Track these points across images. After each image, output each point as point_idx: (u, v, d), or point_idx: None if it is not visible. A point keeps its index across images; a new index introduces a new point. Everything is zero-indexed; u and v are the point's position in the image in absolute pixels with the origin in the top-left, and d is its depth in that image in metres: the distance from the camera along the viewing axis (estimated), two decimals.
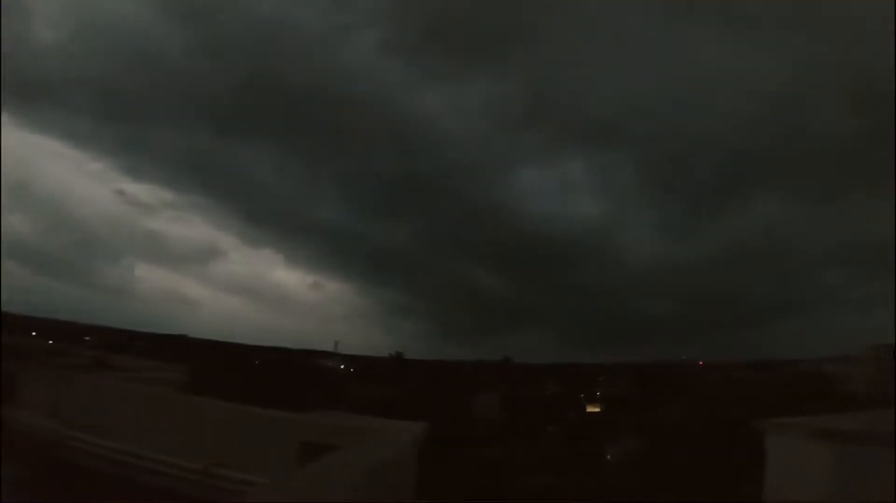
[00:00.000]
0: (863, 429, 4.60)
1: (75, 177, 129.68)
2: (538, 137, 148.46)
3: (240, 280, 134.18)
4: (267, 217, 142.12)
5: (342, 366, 55.77)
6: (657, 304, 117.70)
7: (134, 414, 5.68)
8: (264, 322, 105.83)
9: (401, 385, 38.13)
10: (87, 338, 46.27)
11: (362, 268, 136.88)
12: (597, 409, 38.45)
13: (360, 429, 4.51)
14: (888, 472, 3.90)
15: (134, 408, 5.81)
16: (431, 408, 31.24)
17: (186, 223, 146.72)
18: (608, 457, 24.46)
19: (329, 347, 60.99)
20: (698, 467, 17.11)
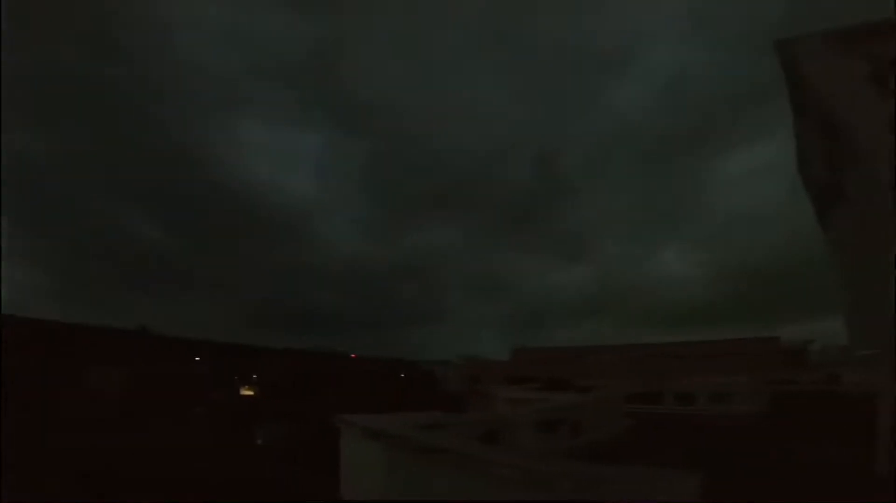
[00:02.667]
0: (407, 433, 5.11)
1: None
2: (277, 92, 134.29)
3: None
4: None
5: None
6: (330, 296, 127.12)
7: None
8: None
9: None
10: None
11: None
12: (251, 393, 37.55)
13: None
14: (432, 473, 4.47)
15: None
16: (22, 383, 23.06)
17: None
18: (258, 441, 24.31)
19: None
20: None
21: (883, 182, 6.11)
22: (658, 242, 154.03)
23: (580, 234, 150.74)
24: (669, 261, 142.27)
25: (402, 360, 56.95)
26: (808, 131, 9.71)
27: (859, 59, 7.46)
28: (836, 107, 7.32)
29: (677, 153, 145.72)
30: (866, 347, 9.99)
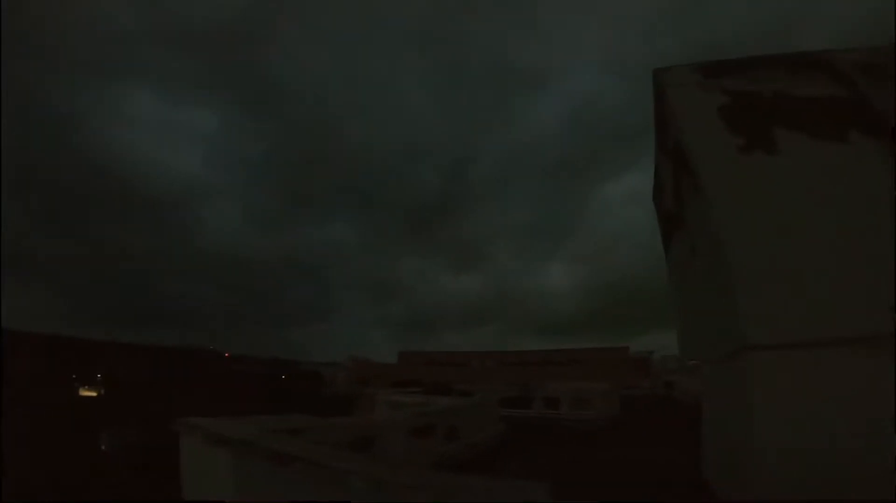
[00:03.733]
0: (252, 438, 4.77)
1: None
2: (165, 58, 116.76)
3: None
4: None
5: None
6: (201, 289, 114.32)
7: None
8: None
9: None
10: None
11: None
12: (93, 393, 32.19)
13: None
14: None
15: None
16: None
17: None
18: (102, 447, 20.86)
19: None
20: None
21: (715, 213, 6.56)
22: (544, 256, 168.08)
23: (476, 242, 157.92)
24: (552, 275, 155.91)
25: (284, 360, 53.61)
26: (664, 162, 10.07)
27: (717, 91, 7.48)
28: (687, 138, 7.41)
29: (571, 176, 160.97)
30: (693, 357, 11.44)
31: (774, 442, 5.30)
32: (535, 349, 56.20)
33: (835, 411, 5.10)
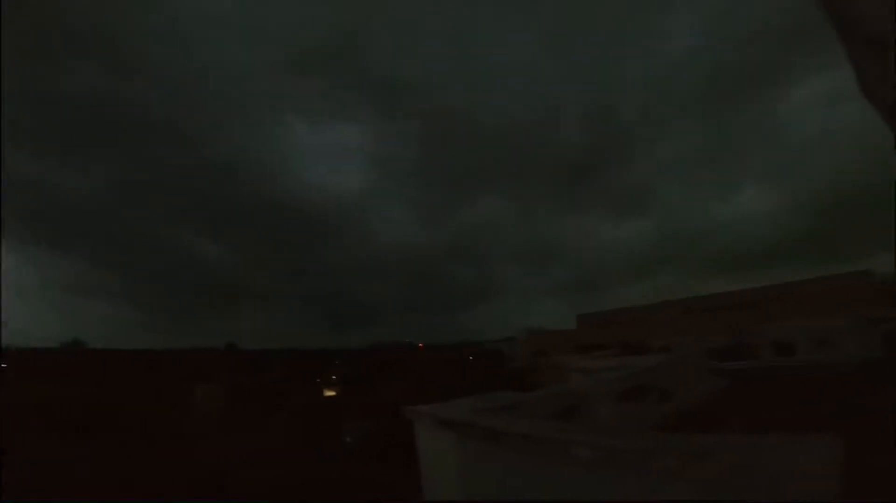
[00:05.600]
0: (474, 418, 4.84)
1: None
2: (311, 87, 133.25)
3: None
4: None
5: None
6: (386, 287, 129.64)
7: None
8: None
9: (76, 381, 29.54)
10: None
11: (28, 227, 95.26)
12: (333, 393, 39.38)
13: None
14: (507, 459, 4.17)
15: None
16: (129, 405, 25.55)
17: None
18: (347, 439, 25.39)
19: None
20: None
21: None
22: (725, 183, 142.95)
23: (637, 188, 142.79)
24: (738, 202, 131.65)
25: (467, 343, 57.35)
26: (859, 53, 7.88)
27: None
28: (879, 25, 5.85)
29: (737, 88, 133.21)
30: None
31: None
32: (732, 290, 47.96)
33: None
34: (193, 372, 43.76)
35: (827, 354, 16.61)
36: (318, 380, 44.93)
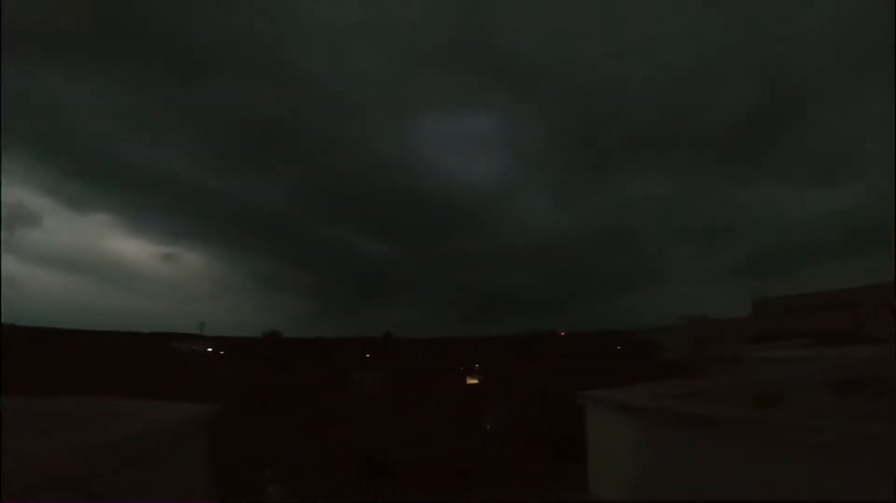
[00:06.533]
0: (664, 403, 4.64)
1: None
2: (450, 80, 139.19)
3: (66, 252, 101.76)
4: (94, 171, 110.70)
5: (209, 349, 50.16)
6: (532, 274, 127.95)
7: None
8: (107, 302, 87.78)
9: (275, 366, 35.52)
10: None
11: (227, 235, 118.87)
12: (475, 381, 40.58)
13: (110, 413, 3.72)
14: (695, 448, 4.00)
15: None
16: (307, 388, 29.64)
17: None
18: (487, 426, 25.78)
19: (194, 329, 54.44)
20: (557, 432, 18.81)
21: None
22: None
23: (830, 150, 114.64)
24: None
25: (617, 331, 53.47)
26: None
27: None
28: None
29: None
30: None
31: None
32: None
33: None
34: (356, 359, 49.53)
35: None
36: (462, 369, 46.85)
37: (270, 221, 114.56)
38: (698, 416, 4.03)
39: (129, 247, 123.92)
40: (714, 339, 39.04)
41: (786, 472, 3.24)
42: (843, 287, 41.82)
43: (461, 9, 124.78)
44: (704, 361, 22.88)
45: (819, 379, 6.86)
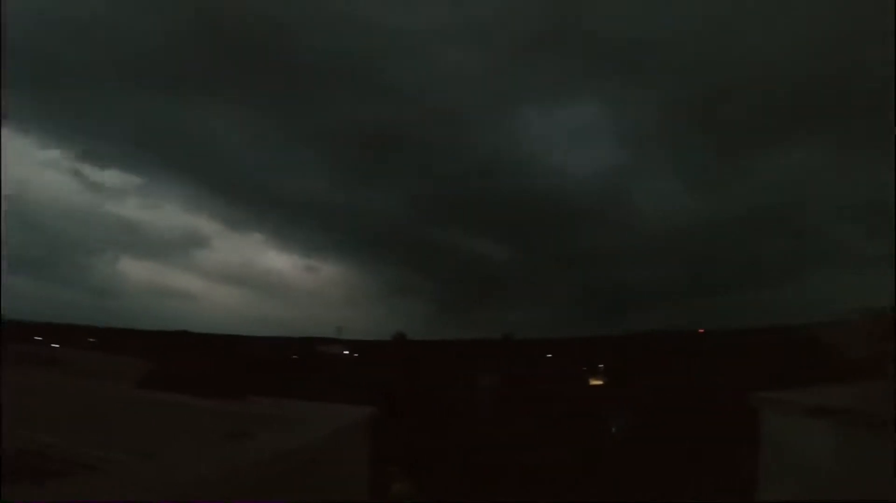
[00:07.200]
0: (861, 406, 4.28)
1: (27, 168, 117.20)
2: (547, 70, 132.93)
3: (230, 268, 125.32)
4: (248, 196, 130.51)
5: (345, 352, 55.76)
6: (662, 267, 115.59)
7: (80, 410, 5.49)
8: (262, 311, 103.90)
9: (400, 368, 38.27)
10: (91, 339, 45.75)
11: (356, 245, 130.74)
12: (600, 383, 38.57)
13: (285, 416, 4.33)
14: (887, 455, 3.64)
15: (81, 406, 5.61)
16: (429, 390, 31.36)
17: (160, 210, 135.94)
18: (612, 429, 24.53)
19: (332, 333, 60.97)
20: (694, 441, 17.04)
21: None
22: None
23: None
24: None
25: (766, 329, 45.66)
26: None
27: None
28: None
29: None
30: None
31: None
32: None
33: None
34: (477, 360, 50.63)
35: None
36: (584, 369, 44.70)
37: (392, 229, 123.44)
38: None
39: (278, 260, 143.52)
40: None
41: None
42: None
43: None
44: (886, 360, 18.52)
45: None
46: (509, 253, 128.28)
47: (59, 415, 5.08)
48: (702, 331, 50.61)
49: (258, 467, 2.65)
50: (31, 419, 5.26)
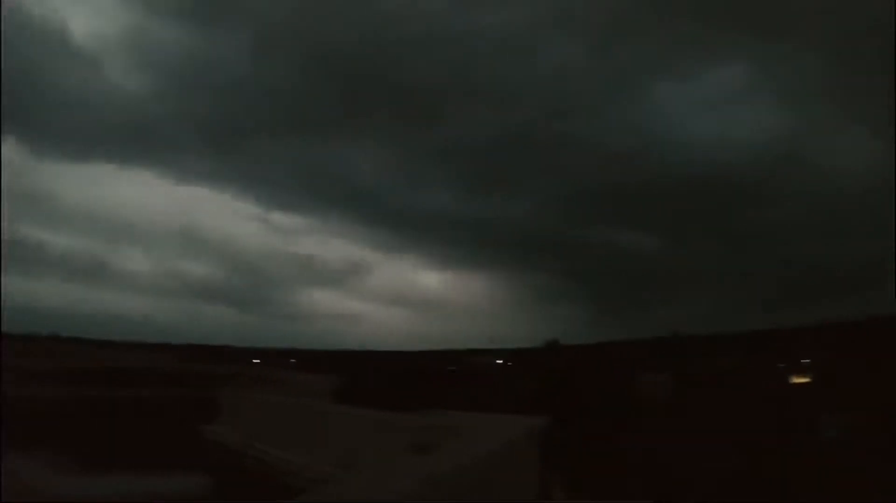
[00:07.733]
0: None
1: (220, 216, 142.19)
2: (669, 37, 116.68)
3: (391, 290, 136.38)
4: (395, 221, 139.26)
5: (498, 361, 56.72)
6: (856, 238, 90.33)
7: (286, 422, 6.68)
8: (420, 327, 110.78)
9: (555, 375, 37.37)
10: (293, 360, 54.87)
11: (501, 255, 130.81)
12: (805, 380, 32.11)
13: (460, 427, 4.58)
14: None
15: (286, 418, 6.82)
16: (587, 396, 29.90)
17: (329, 244, 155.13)
18: (825, 434, 20.49)
19: (486, 344, 62.76)
20: None
21: None
22: None
23: None
24: None
25: None
26: None
27: None
28: None
29: None
30: None
31: None
32: None
33: None
34: (641, 362, 46.60)
35: None
36: (782, 366, 37.69)
37: (531, 234, 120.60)
38: None
39: (431, 278, 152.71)
40: None
41: None
42: None
43: None
44: None
45: None
46: (665, 243, 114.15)
47: (284, 430, 6.28)
48: None
49: (447, 479, 2.86)
50: (263, 434, 6.55)
